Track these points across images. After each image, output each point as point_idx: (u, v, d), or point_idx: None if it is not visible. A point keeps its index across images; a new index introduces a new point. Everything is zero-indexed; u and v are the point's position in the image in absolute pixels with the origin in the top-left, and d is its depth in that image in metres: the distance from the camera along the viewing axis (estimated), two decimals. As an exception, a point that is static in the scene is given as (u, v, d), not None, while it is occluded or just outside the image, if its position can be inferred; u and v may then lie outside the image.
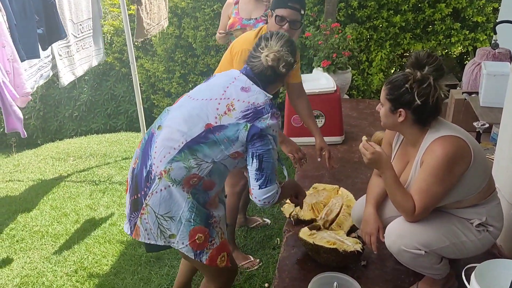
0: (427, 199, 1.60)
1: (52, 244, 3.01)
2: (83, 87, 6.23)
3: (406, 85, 1.59)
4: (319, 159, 2.48)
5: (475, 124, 2.72)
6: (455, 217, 1.70)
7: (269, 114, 1.58)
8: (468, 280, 1.53)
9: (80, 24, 3.52)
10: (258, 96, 1.61)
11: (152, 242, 1.63)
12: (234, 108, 1.58)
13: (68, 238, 3.07)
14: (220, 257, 1.67)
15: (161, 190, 1.57)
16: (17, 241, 3.08)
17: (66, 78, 3.38)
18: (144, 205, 1.60)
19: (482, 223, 1.67)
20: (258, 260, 2.55)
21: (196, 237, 1.60)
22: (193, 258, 1.63)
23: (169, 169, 1.56)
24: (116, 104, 6.17)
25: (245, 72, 1.70)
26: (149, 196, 1.58)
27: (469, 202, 1.67)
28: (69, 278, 2.64)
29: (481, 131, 2.71)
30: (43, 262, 2.81)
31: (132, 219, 1.65)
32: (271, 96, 1.66)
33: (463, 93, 3.15)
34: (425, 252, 1.64)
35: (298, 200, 1.98)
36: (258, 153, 1.58)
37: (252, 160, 1.59)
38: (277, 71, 1.66)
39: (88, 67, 3.80)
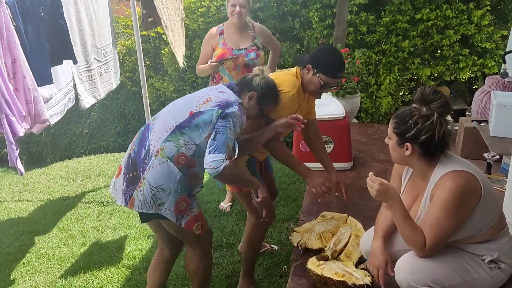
0: (438, 233, 1.59)
1: (58, 268, 3.00)
2: (93, 104, 6.29)
3: (411, 121, 1.61)
4: (336, 194, 2.47)
5: (485, 155, 2.70)
6: (467, 253, 1.68)
7: (237, 107, 1.93)
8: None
9: (104, 49, 3.58)
10: (230, 96, 1.99)
11: (144, 211, 1.93)
12: (211, 100, 1.96)
13: (74, 261, 3.06)
14: (196, 225, 2.00)
15: (156, 165, 1.89)
16: (23, 263, 3.08)
17: (86, 101, 3.43)
18: (142, 179, 1.91)
19: (493, 259, 1.65)
20: None
21: (180, 205, 1.93)
22: (174, 221, 1.94)
23: (163, 147, 1.91)
24: (126, 122, 6.22)
25: (228, 85, 2.10)
26: (146, 171, 1.90)
27: (480, 237, 1.66)
28: (74, 303, 2.63)
29: (491, 162, 2.69)
30: (49, 287, 2.80)
31: (127, 192, 1.95)
32: (241, 101, 2.01)
33: (472, 121, 3.13)
34: None
35: (258, 200, 2.06)
36: (217, 127, 1.90)
37: (212, 133, 1.91)
38: (252, 80, 2.05)
39: (109, 90, 3.86)
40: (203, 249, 2.11)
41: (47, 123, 2.71)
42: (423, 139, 1.60)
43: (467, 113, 4.36)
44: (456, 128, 3.38)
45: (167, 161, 1.89)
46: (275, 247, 2.97)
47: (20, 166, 2.50)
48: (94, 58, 3.44)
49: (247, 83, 2.07)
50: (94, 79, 3.49)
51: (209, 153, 1.85)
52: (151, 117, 4.14)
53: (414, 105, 1.64)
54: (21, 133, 2.41)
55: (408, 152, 1.65)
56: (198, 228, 2.01)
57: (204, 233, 2.07)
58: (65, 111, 3.12)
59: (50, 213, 3.81)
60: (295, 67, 2.30)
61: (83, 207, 3.87)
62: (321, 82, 2.16)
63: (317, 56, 2.19)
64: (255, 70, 2.10)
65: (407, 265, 1.67)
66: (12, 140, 2.34)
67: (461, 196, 1.56)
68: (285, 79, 2.25)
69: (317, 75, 2.16)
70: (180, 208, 1.94)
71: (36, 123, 2.58)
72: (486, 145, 2.83)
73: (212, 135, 1.89)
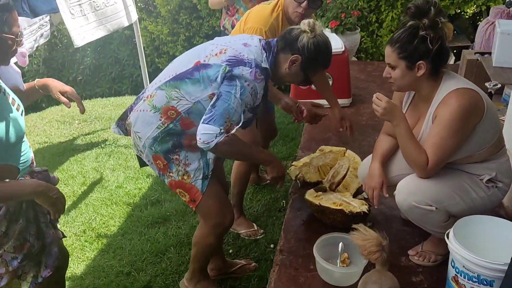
0: (440, 152, 1.59)
1: (60, 205, 3.05)
2: (86, 50, 6.13)
3: (418, 36, 1.56)
4: (341, 130, 2.36)
5: (486, 84, 2.65)
6: (465, 173, 1.70)
7: (250, 69, 1.61)
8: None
9: None
10: (251, 52, 1.66)
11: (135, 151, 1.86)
12: (225, 52, 1.66)
13: (75, 199, 3.10)
14: (180, 191, 1.78)
15: (141, 110, 1.72)
16: (25, 202, 3.12)
17: (80, 38, 3.15)
18: (128, 117, 1.79)
19: (491, 178, 1.66)
20: (262, 230, 2.53)
21: (157, 162, 1.76)
22: (157, 174, 1.81)
23: (153, 94, 1.70)
24: (120, 68, 6.09)
25: (267, 40, 1.75)
26: (132, 112, 1.77)
27: (479, 157, 1.66)
28: (78, 238, 2.68)
29: (492, 92, 2.65)
30: (52, 223, 2.85)
31: (120, 124, 1.86)
32: (265, 66, 1.67)
33: (475, 53, 3.05)
34: (435, 208, 1.63)
35: (268, 178, 1.87)
36: (220, 91, 1.61)
37: (214, 96, 1.63)
38: (298, 39, 1.68)
39: (117, 26, 3.54)
40: (210, 228, 1.85)
41: (26, 58, 2.49)
42: (435, 50, 1.55)
43: (470, 49, 4.25)
44: (458, 62, 3.30)
45: (151, 110, 1.69)
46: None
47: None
48: None
49: (292, 41, 1.68)
50: (86, 14, 3.24)
51: (203, 122, 1.58)
52: (145, 62, 4.05)
53: (411, 22, 1.58)
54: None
55: (421, 72, 1.60)
56: (182, 195, 1.78)
57: (216, 214, 1.83)
58: (35, 48, 2.95)
59: (49, 155, 3.81)
60: None
61: (81, 149, 3.87)
62: None
63: None
64: (304, 24, 1.69)
65: (408, 186, 1.68)
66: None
67: (466, 113, 1.55)
68: (257, 14, 2.15)
69: None
70: (158, 165, 1.75)
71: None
72: (488, 78, 2.77)
73: (213, 100, 1.61)
